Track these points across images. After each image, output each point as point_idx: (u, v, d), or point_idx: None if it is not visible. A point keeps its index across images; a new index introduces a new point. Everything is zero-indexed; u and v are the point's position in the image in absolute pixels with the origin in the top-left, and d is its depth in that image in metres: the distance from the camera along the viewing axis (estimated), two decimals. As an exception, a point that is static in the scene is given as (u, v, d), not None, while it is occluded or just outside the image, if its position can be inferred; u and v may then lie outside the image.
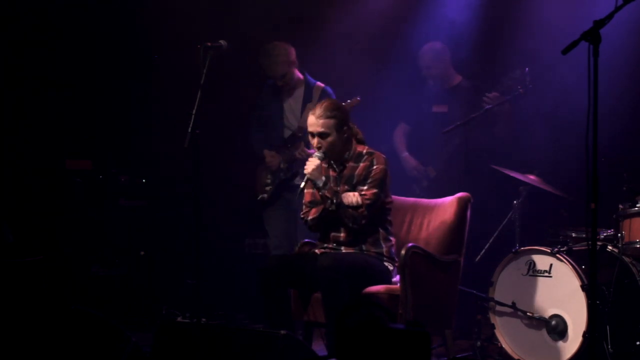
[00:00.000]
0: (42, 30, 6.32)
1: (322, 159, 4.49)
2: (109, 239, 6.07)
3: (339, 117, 4.50)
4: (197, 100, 4.73)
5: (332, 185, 4.51)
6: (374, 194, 4.47)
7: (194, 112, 4.71)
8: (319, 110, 4.48)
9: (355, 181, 4.53)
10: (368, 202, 4.44)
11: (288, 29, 6.32)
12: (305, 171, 4.48)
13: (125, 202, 6.16)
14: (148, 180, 6.30)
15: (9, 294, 5.06)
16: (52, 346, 3.96)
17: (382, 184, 4.51)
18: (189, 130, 4.69)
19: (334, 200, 4.43)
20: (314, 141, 4.49)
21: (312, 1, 6.56)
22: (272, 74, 5.71)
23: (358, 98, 5.40)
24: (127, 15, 6.54)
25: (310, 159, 4.49)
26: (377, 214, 4.53)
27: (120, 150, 6.49)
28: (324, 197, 4.46)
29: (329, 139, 4.47)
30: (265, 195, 5.77)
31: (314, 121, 4.47)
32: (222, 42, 4.92)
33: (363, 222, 4.45)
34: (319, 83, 5.76)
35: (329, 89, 5.72)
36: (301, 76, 5.78)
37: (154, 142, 6.49)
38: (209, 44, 4.86)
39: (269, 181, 5.77)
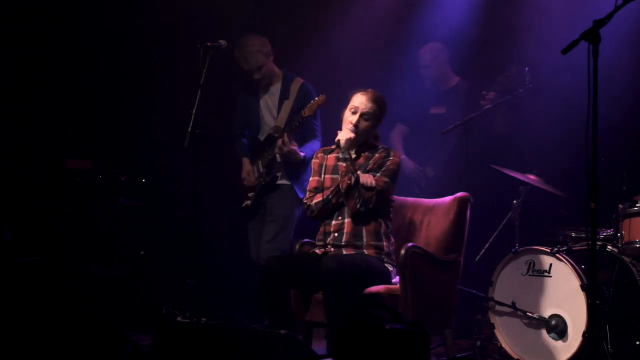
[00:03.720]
0: (42, 30, 6.32)
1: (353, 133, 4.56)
2: (109, 239, 6.07)
3: (383, 111, 4.64)
4: (197, 100, 4.74)
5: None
6: (386, 182, 4.53)
7: (194, 112, 4.72)
8: (371, 95, 4.60)
9: (369, 168, 4.59)
10: (379, 188, 4.48)
11: (287, 29, 6.32)
12: (341, 138, 4.52)
13: (125, 202, 6.16)
14: (148, 180, 6.30)
15: (9, 294, 5.06)
16: (52, 346, 3.96)
17: (394, 176, 4.59)
18: (189, 130, 4.70)
19: (355, 175, 4.46)
20: (355, 117, 4.56)
21: (311, 2, 6.56)
22: (249, 67, 5.51)
23: (323, 95, 5.17)
24: (127, 15, 6.55)
25: (345, 129, 4.56)
26: (381, 207, 4.55)
27: (120, 150, 6.49)
28: (347, 168, 4.49)
29: (368, 123, 4.58)
30: (249, 203, 5.68)
31: (365, 101, 4.57)
32: (222, 42, 4.92)
33: (370, 206, 4.48)
34: (299, 78, 5.60)
35: (309, 85, 5.58)
36: (278, 70, 5.62)
37: (154, 142, 6.50)
38: (209, 44, 4.86)
39: (252, 194, 5.68)
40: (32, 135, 6.23)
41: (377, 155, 4.62)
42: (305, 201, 4.72)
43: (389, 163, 4.58)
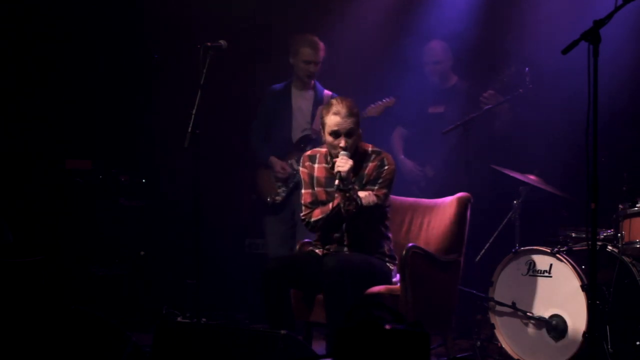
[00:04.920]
0: (42, 30, 6.32)
1: (349, 157, 4.43)
2: (109, 239, 6.07)
3: (358, 115, 4.52)
4: (197, 100, 4.73)
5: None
6: (385, 194, 4.49)
7: (194, 112, 4.72)
8: (343, 110, 4.42)
9: (365, 180, 4.51)
10: (379, 202, 4.45)
11: (287, 30, 6.32)
12: (342, 169, 4.36)
13: (125, 202, 6.16)
14: (148, 180, 6.30)
15: (9, 294, 5.05)
16: (52, 346, 3.96)
17: (391, 184, 4.54)
18: (189, 130, 4.70)
19: (358, 203, 4.38)
20: (341, 140, 4.42)
21: (311, 3, 6.56)
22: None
23: (393, 98, 5.51)
24: (127, 15, 6.54)
25: (342, 158, 4.40)
26: (379, 215, 4.54)
27: (120, 150, 6.48)
28: (349, 199, 4.38)
29: (354, 137, 4.46)
30: (279, 198, 5.75)
31: (341, 120, 4.41)
32: (222, 42, 4.92)
33: (372, 220, 4.46)
34: (327, 91, 5.80)
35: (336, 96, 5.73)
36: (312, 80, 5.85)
37: (154, 142, 6.49)
38: (209, 44, 4.86)
39: (280, 183, 5.75)
40: (32, 135, 6.22)
41: (370, 165, 4.53)
42: (302, 217, 4.61)
43: (384, 173, 4.50)
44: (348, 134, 4.42)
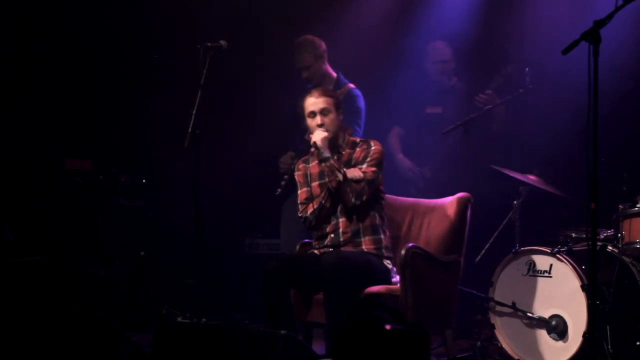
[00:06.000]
0: (43, 30, 6.32)
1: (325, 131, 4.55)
2: (109, 239, 6.07)
3: (336, 97, 4.69)
4: (197, 100, 4.74)
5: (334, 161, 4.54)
6: (374, 172, 4.53)
7: (194, 112, 4.72)
8: (316, 92, 4.64)
9: (353, 163, 4.59)
10: (368, 178, 4.49)
11: (287, 30, 6.32)
12: (316, 139, 4.50)
13: (125, 202, 6.16)
14: (148, 180, 6.30)
15: (9, 294, 5.05)
16: (52, 346, 3.96)
17: (380, 164, 4.59)
18: (189, 130, 4.70)
19: (341, 172, 4.45)
20: (317, 119, 4.56)
21: (311, 3, 6.56)
22: (299, 65, 5.68)
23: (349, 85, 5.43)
24: (128, 15, 6.55)
25: (317, 131, 4.54)
26: (373, 199, 4.55)
27: (120, 150, 6.49)
28: (331, 168, 4.47)
29: (331, 115, 4.57)
30: (279, 190, 5.74)
31: (314, 100, 4.59)
32: (222, 42, 4.92)
33: (364, 197, 4.47)
34: (349, 84, 5.70)
35: (356, 91, 5.65)
36: (334, 74, 5.73)
37: (154, 142, 6.49)
38: (209, 44, 4.86)
39: (286, 176, 5.75)
40: (32, 135, 6.23)
41: (358, 149, 4.63)
42: (300, 214, 4.67)
43: (372, 152, 4.58)
44: (323, 112, 4.57)
